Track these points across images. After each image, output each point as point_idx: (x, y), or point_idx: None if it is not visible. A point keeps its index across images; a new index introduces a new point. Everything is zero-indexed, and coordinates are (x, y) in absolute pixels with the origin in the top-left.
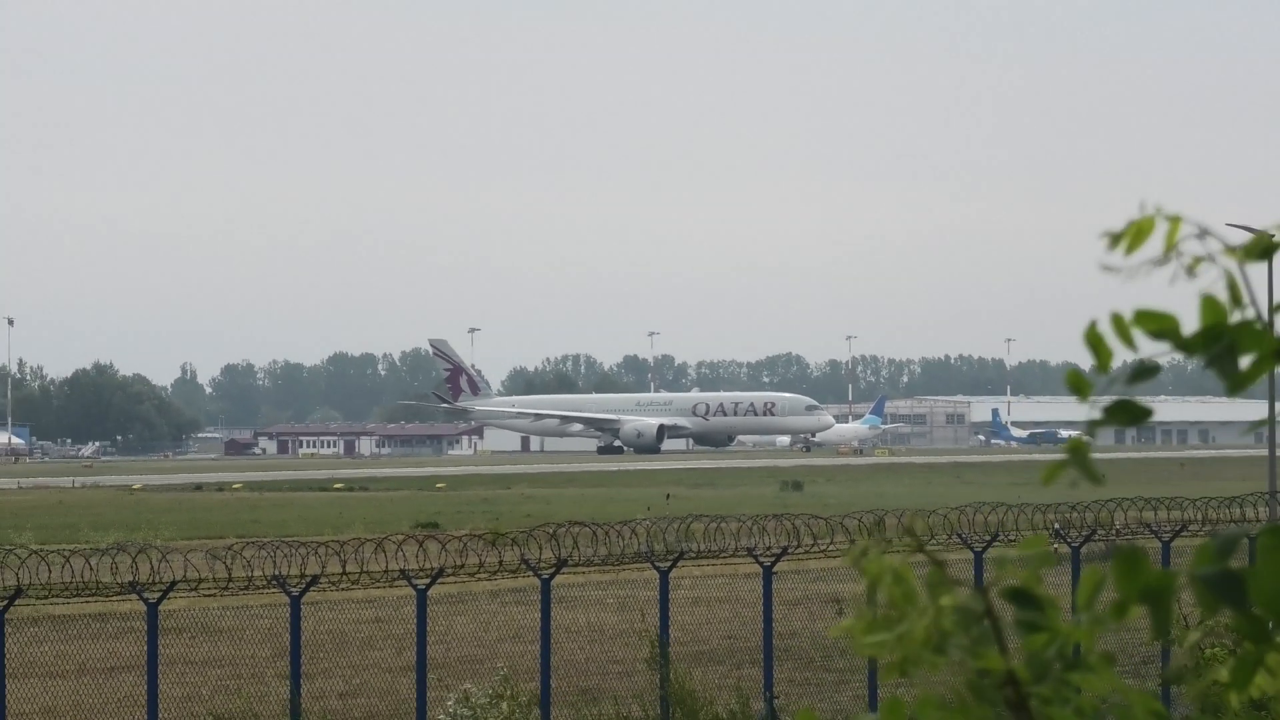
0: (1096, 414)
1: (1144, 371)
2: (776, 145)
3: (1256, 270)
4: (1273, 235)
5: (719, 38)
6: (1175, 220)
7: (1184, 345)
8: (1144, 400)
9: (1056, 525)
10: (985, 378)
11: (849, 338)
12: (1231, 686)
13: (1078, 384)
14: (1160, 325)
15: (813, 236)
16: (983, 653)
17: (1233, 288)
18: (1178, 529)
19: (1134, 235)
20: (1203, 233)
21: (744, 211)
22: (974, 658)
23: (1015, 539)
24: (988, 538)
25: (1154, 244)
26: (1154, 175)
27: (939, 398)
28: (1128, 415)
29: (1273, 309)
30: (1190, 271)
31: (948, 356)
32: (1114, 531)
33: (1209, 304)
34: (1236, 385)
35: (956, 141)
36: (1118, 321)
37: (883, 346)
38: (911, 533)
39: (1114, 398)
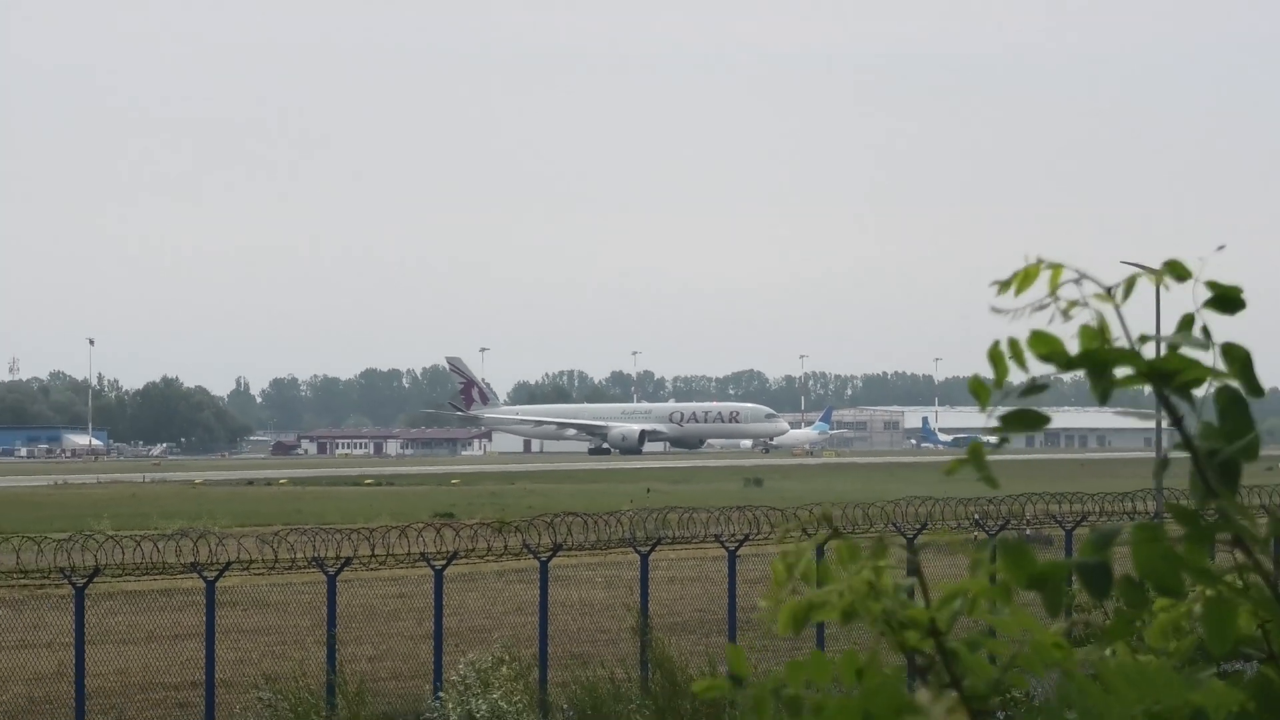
0: (994, 422)
1: (1035, 388)
2: (740, 191)
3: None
4: (1139, 275)
5: (694, 92)
6: (1057, 268)
7: (1067, 365)
8: (1040, 409)
9: (976, 516)
10: (917, 390)
11: (802, 356)
12: (1110, 636)
13: (979, 391)
14: (1049, 348)
15: (771, 270)
16: (909, 605)
17: (1100, 323)
18: (1079, 519)
19: (1021, 280)
20: (1081, 277)
21: (713, 247)
22: (902, 609)
23: (941, 526)
24: (918, 526)
25: (1039, 288)
26: (1060, 214)
27: (878, 408)
28: (1024, 423)
29: (1133, 339)
30: (1065, 314)
31: (885, 373)
32: (1025, 521)
33: (1086, 332)
34: (1103, 397)
35: (895, 183)
36: (1013, 345)
37: (830, 364)
38: (827, 520)
39: (1012, 408)
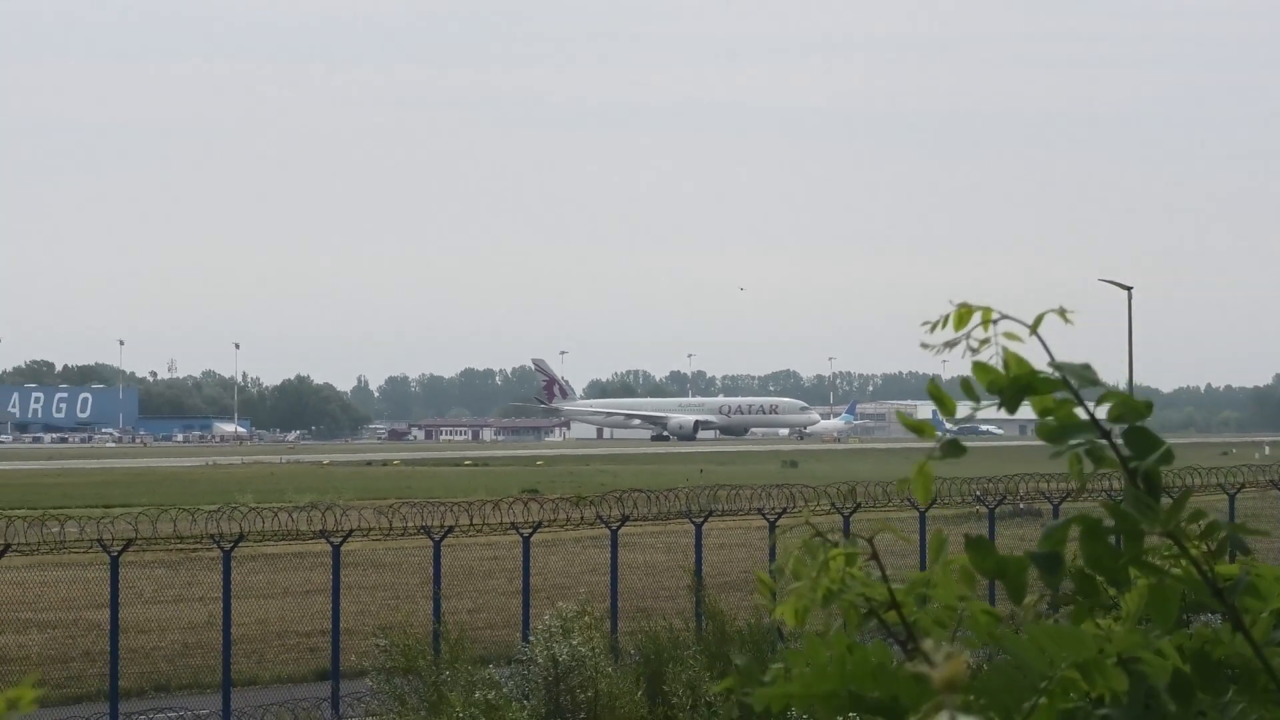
0: (937, 449)
1: (970, 418)
2: (779, 219)
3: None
4: (1048, 313)
5: (747, 127)
6: (986, 310)
7: (1001, 390)
8: (966, 440)
9: (977, 493)
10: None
11: (830, 358)
12: (1076, 623)
13: (939, 398)
14: (989, 377)
15: (805, 284)
16: (871, 584)
17: (1009, 357)
18: (1063, 496)
19: (957, 320)
20: (1001, 317)
21: (758, 265)
22: (865, 588)
23: (948, 502)
24: (928, 500)
25: (961, 325)
26: (1046, 232)
27: (895, 401)
28: (955, 451)
29: (1051, 364)
30: (975, 350)
31: (901, 371)
32: (1019, 498)
33: (1013, 360)
34: (1011, 410)
35: (908, 214)
36: (964, 383)
37: (855, 364)
38: (852, 495)
39: (950, 436)
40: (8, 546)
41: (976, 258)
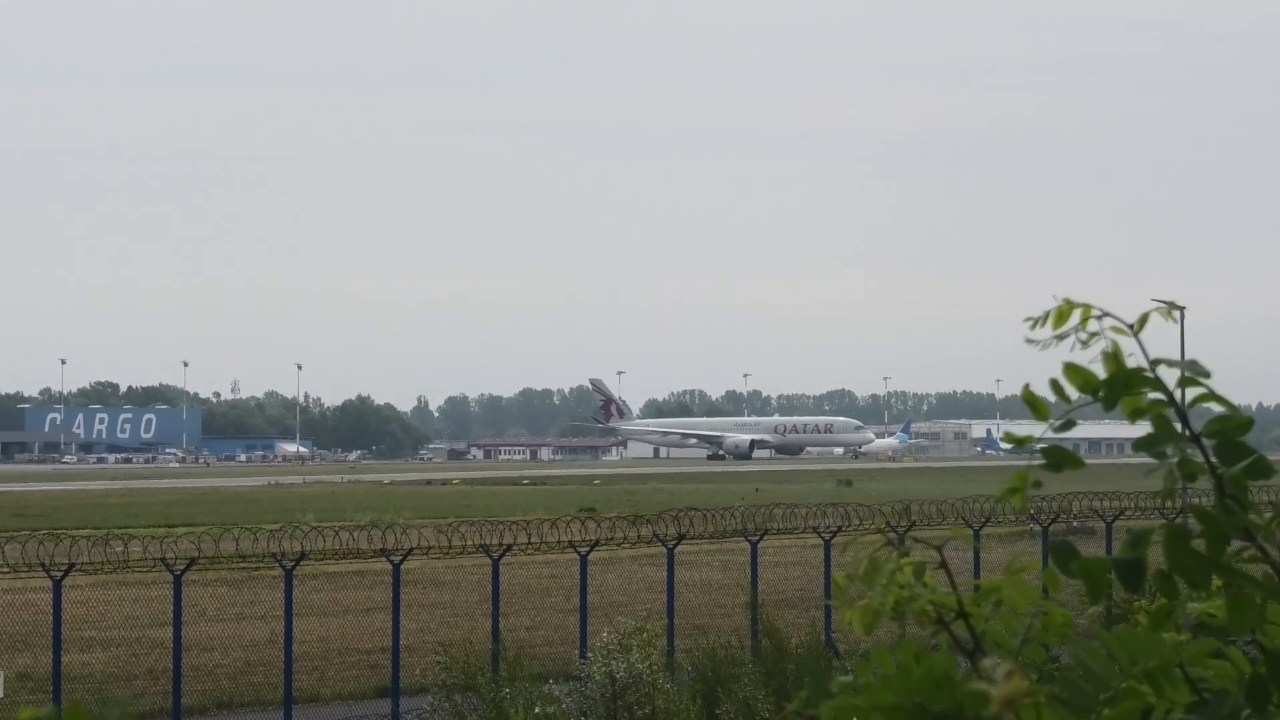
0: (1039, 458)
1: (1067, 425)
2: (836, 242)
3: (1162, 333)
4: (1153, 310)
5: (798, 158)
6: (1085, 307)
7: (1095, 390)
8: (1072, 448)
9: (1031, 511)
10: (981, 406)
11: (885, 378)
12: (1154, 626)
13: (1033, 402)
14: (1082, 378)
15: (861, 306)
16: (940, 593)
17: (1115, 350)
18: (1117, 514)
19: (1056, 317)
20: (1103, 314)
21: (813, 286)
22: (934, 597)
23: (1000, 520)
24: (983, 519)
25: (1058, 322)
26: (1094, 257)
27: (949, 421)
28: (1065, 461)
29: (1152, 361)
30: (1085, 344)
31: (955, 391)
32: (1073, 516)
33: (1107, 359)
34: (1109, 406)
35: (963, 238)
36: (1054, 384)
37: (909, 384)
38: (907, 514)
39: (1055, 441)
40: (72, 566)
41: (1030, 279)
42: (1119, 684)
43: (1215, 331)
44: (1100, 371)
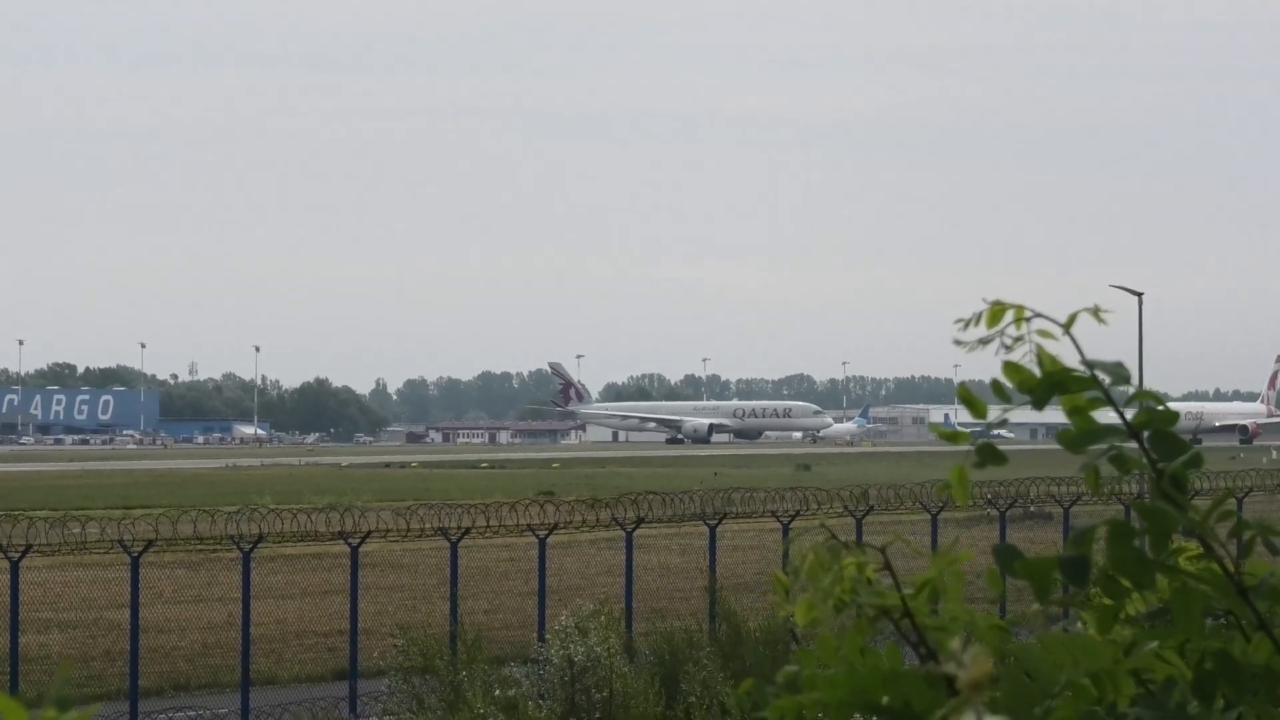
0: (974, 455)
1: (1001, 423)
2: (792, 226)
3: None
4: (1080, 312)
5: (765, 144)
6: (1019, 308)
7: (1032, 390)
8: (1002, 445)
9: (989, 495)
10: (939, 391)
11: (844, 363)
12: (1097, 630)
13: (969, 400)
14: (1020, 376)
15: (819, 290)
16: (883, 592)
17: (1042, 355)
18: (1074, 499)
19: (990, 318)
20: (1034, 315)
21: (771, 270)
22: (877, 596)
23: (959, 505)
24: (940, 504)
25: (988, 323)
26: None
27: (907, 405)
28: (993, 457)
29: (1083, 362)
30: (1008, 348)
31: (913, 376)
32: (1030, 501)
33: (1045, 358)
34: (1040, 408)
35: (920, 223)
36: (995, 384)
37: (867, 369)
38: (864, 498)
39: (982, 440)
40: (29, 547)
41: (988, 264)
42: (1061, 684)
43: (1178, 320)
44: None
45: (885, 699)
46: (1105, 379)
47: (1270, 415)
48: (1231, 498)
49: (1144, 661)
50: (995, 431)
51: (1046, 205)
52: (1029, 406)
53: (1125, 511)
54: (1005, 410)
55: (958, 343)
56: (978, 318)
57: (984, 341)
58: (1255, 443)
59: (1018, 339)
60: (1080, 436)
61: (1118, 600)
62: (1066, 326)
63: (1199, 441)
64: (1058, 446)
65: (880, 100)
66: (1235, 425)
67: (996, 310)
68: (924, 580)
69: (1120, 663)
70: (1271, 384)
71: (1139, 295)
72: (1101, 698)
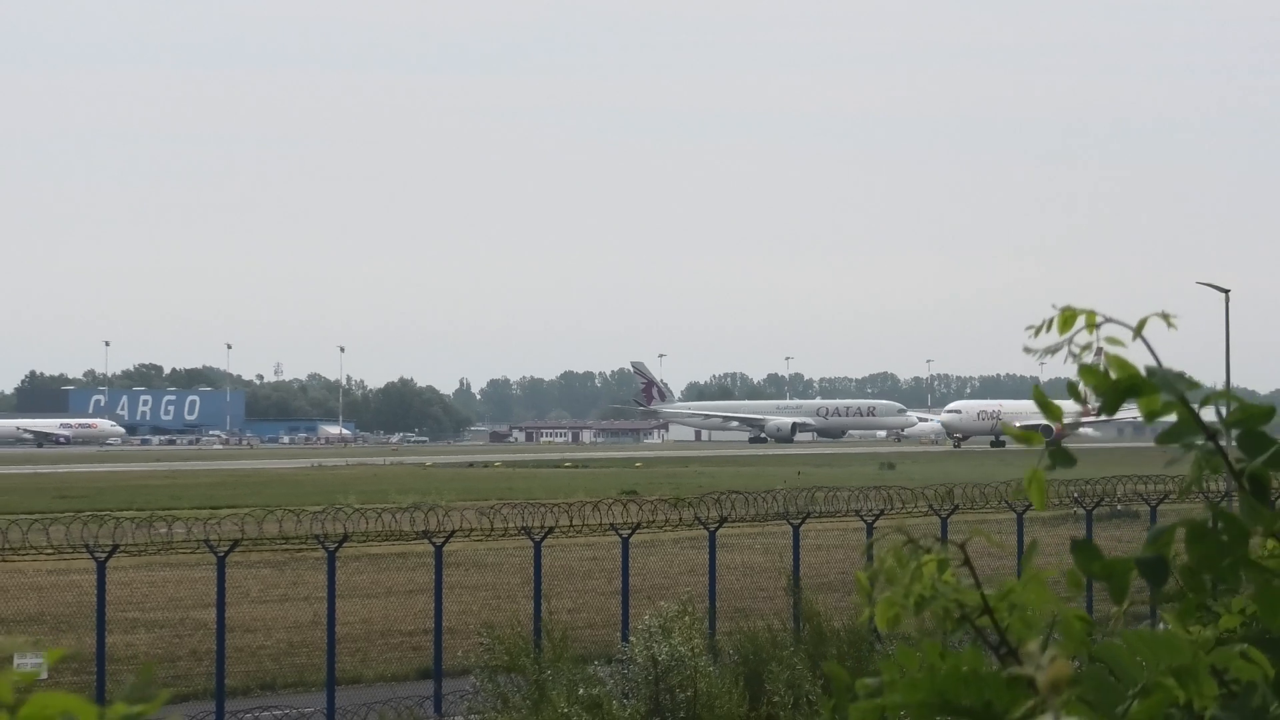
0: (1047, 457)
1: (1075, 425)
2: (876, 228)
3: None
4: (1150, 316)
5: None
6: (1090, 314)
7: (1107, 392)
8: (1074, 449)
9: (1075, 494)
10: (1024, 390)
11: (928, 361)
12: (1177, 627)
13: (1044, 403)
14: (1095, 379)
15: (902, 285)
16: (963, 591)
17: (1111, 361)
18: (1161, 498)
19: (1061, 324)
20: (1105, 320)
21: (857, 270)
22: (957, 595)
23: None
24: (1025, 503)
25: (1063, 330)
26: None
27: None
28: (1064, 459)
29: (1149, 370)
30: (1077, 357)
31: (998, 374)
32: (1117, 499)
33: (1117, 363)
34: (1110, 413)
35: (1017, 217)
36: (1070, 386)
37: (952, 367)
38: (949, 496)
39: (1054, 446)
40: (116, 547)
41: (1079, 262)
42: (1145, 681)
43: (1268, 316)
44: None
45: (966, 700)
46: (1167, 387)
47: (1086, 415)
48: None
49: (1225, 660)
50: (1080, 430)
51: (1133, 202)
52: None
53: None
54: (1078, 416)
55: (1028, 350)
56: (1049, 324)
57: (1053, 350)
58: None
59: (1086, 347)
60: (1177, 434)
61: (1200, 595)
62: (1137, 331)
63: (1002, 444)
64: (1143, 444)
65: (963, 97)
66: (1040, 425)
67: (1068, 316)
68: (1009, 587)
69: (1200, 660)
70: None
71: (1226, 292)
72: (1183, 697)
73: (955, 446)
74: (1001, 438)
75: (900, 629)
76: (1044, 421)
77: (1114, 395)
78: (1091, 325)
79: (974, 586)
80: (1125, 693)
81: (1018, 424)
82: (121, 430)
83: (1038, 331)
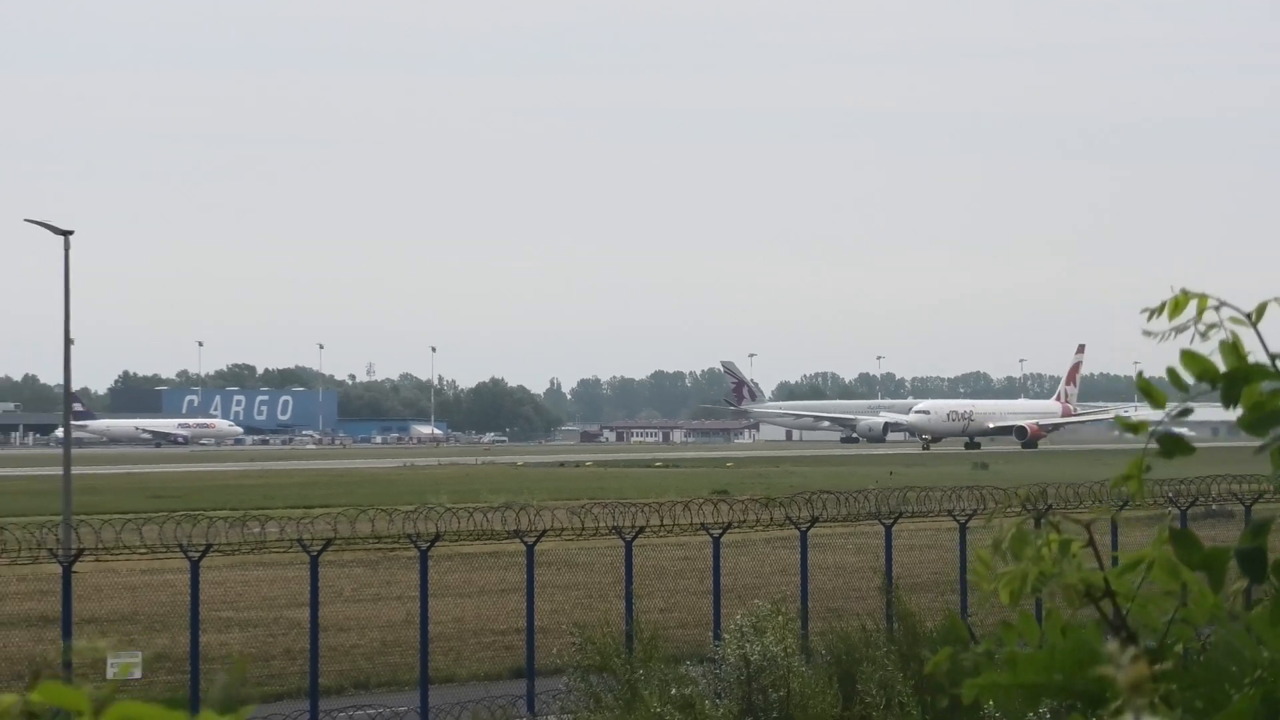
0: (1154, 444)
1: (1184, 412)
2: (967, 225)
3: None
4: (1271, 301)
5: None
6: (1203, 297)
7: (1214, 380)
8: (1191, 438)
9: (1170, 494)
10: (1116, 389)
11: (1021, 360)
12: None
13: (1148, 390)
14: (1200, 367)
15: (995, 283)
16: (1086, 570)
17: (1236, 344)
18: (1256, 497)
19: (1173, 308)
20: (1220, 304)
21: (949, 270)
22: (1082, 574)
23: (1139, 503)
24: (1120, 502)
25: (1188, 313)
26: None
27: (1085, 403)
28: (1179, 448)
29: (1272, 355)
30: (1204, 336)
31: (1091, 373)
32: (1211, 499)
33: (1224, 349)
34: (1229, 401)
35: (1102, 215)
36: (1171, 373)
37: (1045, 366)
38: (1043, 497)
39: (1171, 430)
40: (209, 547)
41: (1165, 258)
42: (1264, 664)
43: None
44: (1218, 360)
45: (1081, 683)
46: None
47: (1066, 415)
48: None
49: None
50: (1175, 430)
51: (1232, 198)
52: (1207, 400)
53: None
54: (1187, 398)
55: (1147, 334)
56: (1163, 307)
57: (1179, 330)
58: (1039, 446)
59: (1212, 326)
60: (1263, 421)
61: None
62: (1256, 316)
63: (977, 445)
64: (1238, 444)
65: (1054, 94)
66: (1013, 426)
67: (1181, 300)
68: (1134, 558)
69: None
70: (1070, 378)
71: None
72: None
73: (924, 449)
74: (976, 439)
75: (1019, 608)
76: (1016, 423)
77: (1231, 382)
78: (1204, 309)
79: (1097, 568)
80: (1243, 676)
81: (990, 425)
82: (239, 430)
83: (1152, 315)
